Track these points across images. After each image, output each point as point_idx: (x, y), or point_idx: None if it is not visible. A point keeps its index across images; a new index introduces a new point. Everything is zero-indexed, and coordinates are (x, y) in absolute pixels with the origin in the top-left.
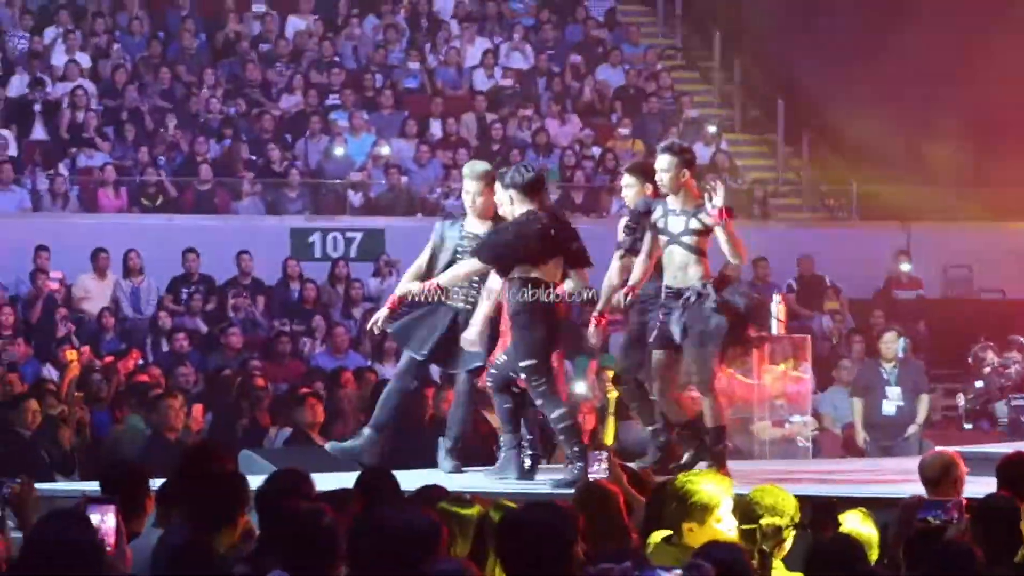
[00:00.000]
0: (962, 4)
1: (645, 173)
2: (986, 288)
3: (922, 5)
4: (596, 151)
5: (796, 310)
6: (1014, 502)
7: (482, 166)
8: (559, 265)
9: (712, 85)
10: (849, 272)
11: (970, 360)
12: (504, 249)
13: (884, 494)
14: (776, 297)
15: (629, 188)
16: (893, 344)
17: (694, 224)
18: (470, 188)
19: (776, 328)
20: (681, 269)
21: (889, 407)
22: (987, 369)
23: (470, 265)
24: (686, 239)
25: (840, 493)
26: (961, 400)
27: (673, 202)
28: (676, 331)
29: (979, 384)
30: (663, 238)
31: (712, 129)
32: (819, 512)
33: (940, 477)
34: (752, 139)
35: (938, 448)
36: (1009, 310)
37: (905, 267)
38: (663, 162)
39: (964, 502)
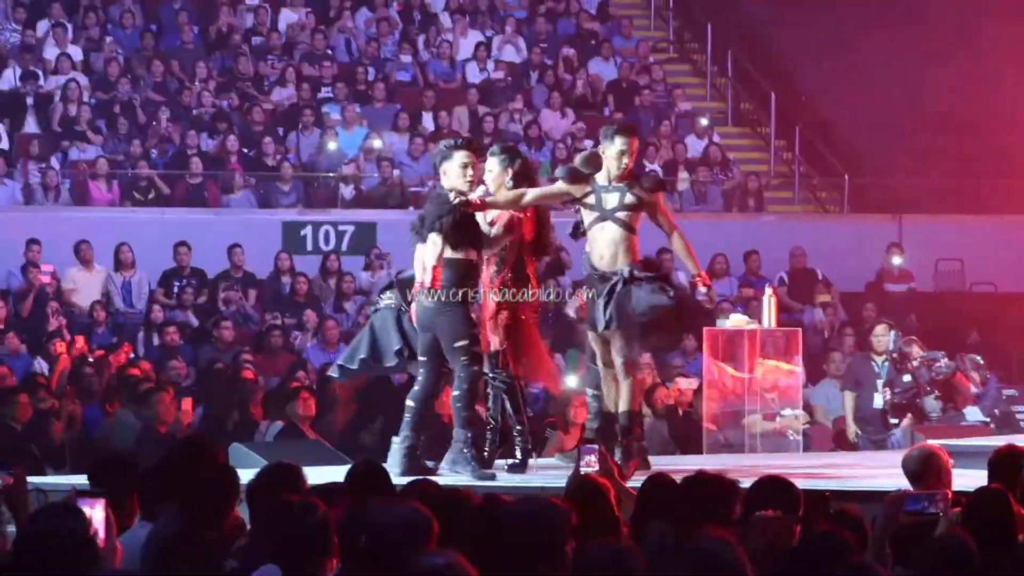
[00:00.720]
0: None
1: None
2: (978, 281)
3: None
4: (588, 144)
5: (787, 303)
6: (1005, 495)
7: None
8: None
9: (704, 78)
10: (841, 265)
11: (895, 355)
12: None
13: (875, 487)
14: (768, 290)
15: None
16: (884, 337)
17: (629, 199)
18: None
19: (767, 321)
20: (610, 247)
21: (880, 400)
22: (915, 362)
23: None
24: (620, 215)
25: (831, 487)
26: (887, 395)
27: (604, 178)
28: (601, 320)
29: (907, 378)
30: (593, 214)
31: (704, 122)
32: (810, 505)
33: (922, 470)
34: (744, 132)
35: (925, 441)
36: (1001, 303)
37: (897, 260)
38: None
39: (950, 495)
